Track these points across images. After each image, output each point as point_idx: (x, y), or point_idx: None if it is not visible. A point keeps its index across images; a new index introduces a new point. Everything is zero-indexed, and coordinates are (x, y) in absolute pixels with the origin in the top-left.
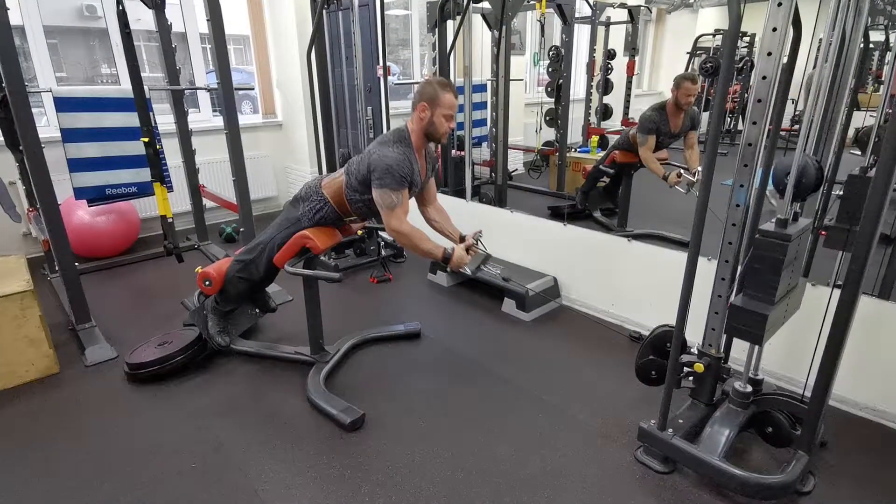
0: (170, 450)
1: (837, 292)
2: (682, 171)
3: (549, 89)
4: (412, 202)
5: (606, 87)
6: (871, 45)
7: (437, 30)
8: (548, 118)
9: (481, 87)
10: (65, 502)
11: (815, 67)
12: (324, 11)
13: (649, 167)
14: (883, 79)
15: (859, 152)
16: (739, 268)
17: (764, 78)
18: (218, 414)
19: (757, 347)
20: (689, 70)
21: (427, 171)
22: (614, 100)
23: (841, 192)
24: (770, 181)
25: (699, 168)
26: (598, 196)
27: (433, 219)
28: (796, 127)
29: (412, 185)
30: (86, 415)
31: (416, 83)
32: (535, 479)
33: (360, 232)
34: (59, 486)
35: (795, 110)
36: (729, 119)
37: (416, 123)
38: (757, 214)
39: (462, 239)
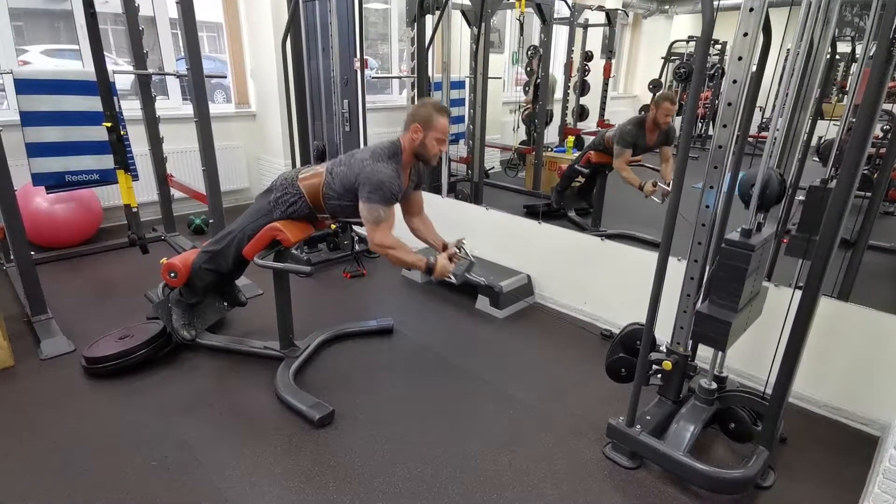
0: (130, 447)
1: (799, 293)
2: (657, 181)
3: (526, 88)
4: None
5: (583, 88)
6: (838, 57)
7: (415, 24)
8: (525, 112)
9: (459, 84)
10: (16, 500)
11: (782, 77)
12: (300, 0)
13: (625, 177)
14: (847, 89)
15: (820, 161)
16: (706, 275)
17: (734, 82)
18: (182, 410)
19: None
20: (663, 74)
21: (410, 185)
22: (590, 101)
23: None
24: (736, 191)
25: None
26: (572, 195)
27: (417, 228)
28: (764, 133)
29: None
30: (41, 410)
31: (394, 78)
32: (505, 474)
33: (333, 226)
34: (12, 482)
35: (763, 117)
36: (700, 124)
37: (408, 143)
38: (725, 217)
39: (445, 247)
